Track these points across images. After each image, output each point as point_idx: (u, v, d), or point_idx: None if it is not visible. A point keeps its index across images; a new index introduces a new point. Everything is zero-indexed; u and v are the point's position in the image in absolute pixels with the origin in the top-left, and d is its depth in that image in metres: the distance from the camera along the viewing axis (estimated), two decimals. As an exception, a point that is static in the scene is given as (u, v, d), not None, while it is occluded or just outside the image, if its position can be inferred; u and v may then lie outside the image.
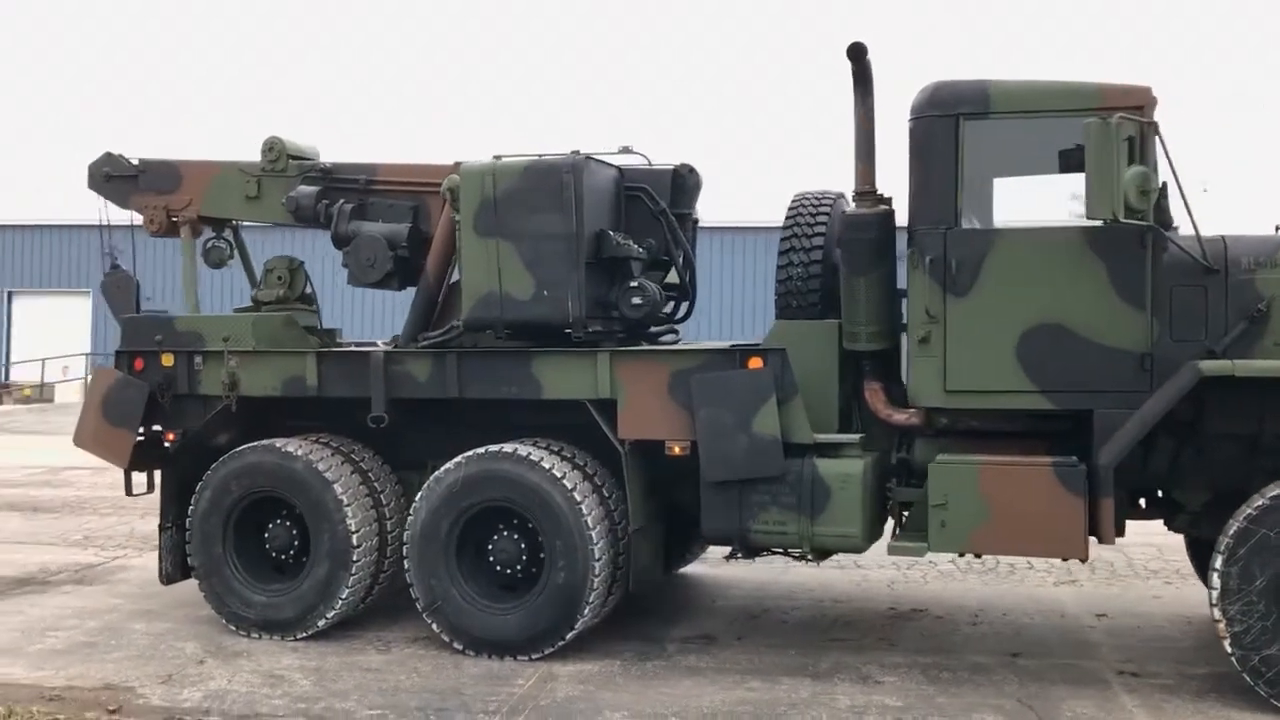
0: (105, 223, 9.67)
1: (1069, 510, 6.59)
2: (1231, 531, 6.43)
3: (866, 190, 7.25)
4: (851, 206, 7.42)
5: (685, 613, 8.80)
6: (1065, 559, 7.02)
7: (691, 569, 9.99)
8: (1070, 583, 9.71)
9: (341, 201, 8.77)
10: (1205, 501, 7.14)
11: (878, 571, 10.15)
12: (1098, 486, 6.57)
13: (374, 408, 7.91)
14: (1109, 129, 6.27)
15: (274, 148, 9.17)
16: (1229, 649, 6.43)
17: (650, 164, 8.45)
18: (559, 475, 7.45)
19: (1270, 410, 6.74)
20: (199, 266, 9.55)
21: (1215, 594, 6.44)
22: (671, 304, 8.68)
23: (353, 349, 8.40)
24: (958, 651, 7.71)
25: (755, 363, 7.25)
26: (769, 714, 6.53)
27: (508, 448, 7.61)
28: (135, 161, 9.52)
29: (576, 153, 7.76)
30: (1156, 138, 6.64)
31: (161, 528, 8.46)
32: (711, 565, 10.05)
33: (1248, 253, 6.68)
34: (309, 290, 9.37)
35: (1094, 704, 6.64)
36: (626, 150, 8.48)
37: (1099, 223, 6.54)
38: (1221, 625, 6.43)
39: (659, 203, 8.23)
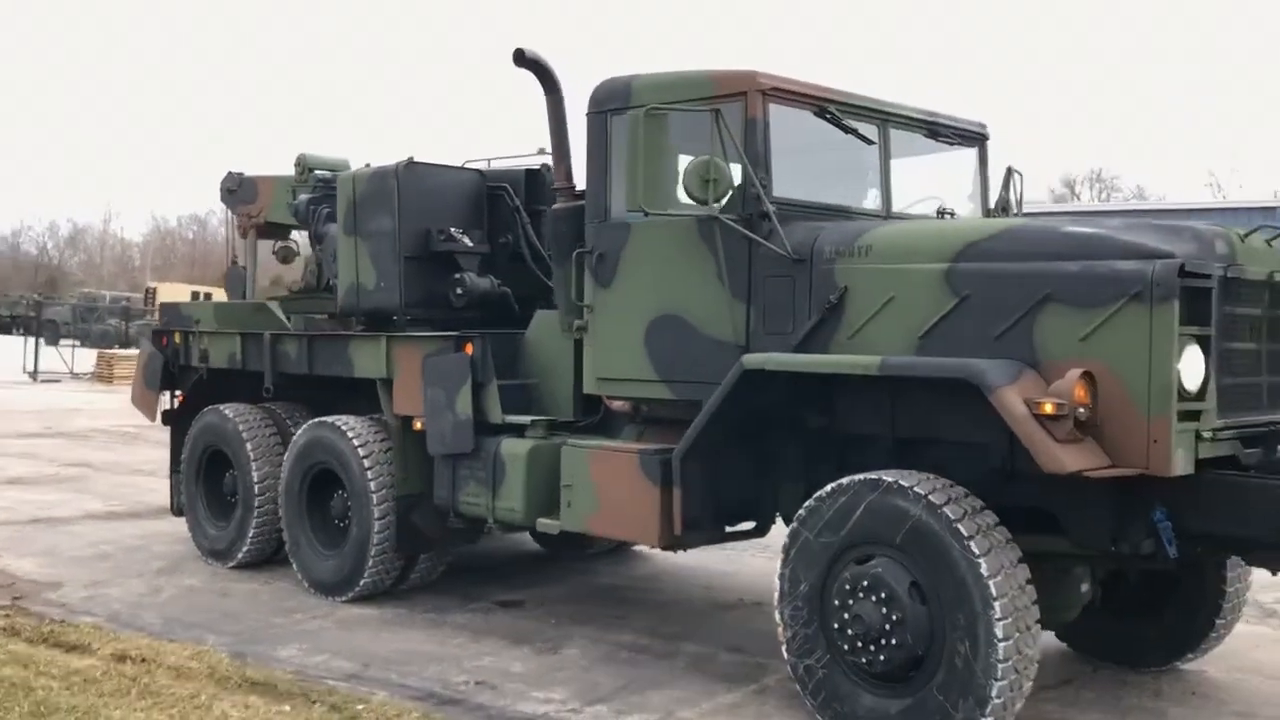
0: (229, 226, 12.16)
1: (645, 497, 6.64)
2: (787, 533, 6.17)
3: (563, 186, 7.59)
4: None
5: (545, 583, 9.44)
6: (651, 546, 6.94)
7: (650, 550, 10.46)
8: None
9: (323, 206, 10.39)
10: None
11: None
12: (671, 477, 6.55)
13: (265, 379, 9.47)
14: (635, 122, 6.28)
15: (300, 162, 11.01)
16: (785, 654, 6.18)
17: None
18: (358, 444, 8.55)
19: (896, 411, 6.29)
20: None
21: (775, 597, 6.21)
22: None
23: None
24: (692, 639, 7.80)
25: (468, 348, 7.88)
26: (415, 661, 7.25)
27: (330, 418, 8.84)
28: (238, 177, 11.84)
29: (411, 159, 8.78)
30: (737, 123, 6.43)
31: (172, 470, 10.63)
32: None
33: (832, 242, 6.28)
34: (333, 282, 11.10)
35: (699, 690, 6.74)
36: (542, 152, 9.36)
37: (709, 213, 6.48)
38: (780, 630, 6.19)
39: (514, 200, 9.00)
